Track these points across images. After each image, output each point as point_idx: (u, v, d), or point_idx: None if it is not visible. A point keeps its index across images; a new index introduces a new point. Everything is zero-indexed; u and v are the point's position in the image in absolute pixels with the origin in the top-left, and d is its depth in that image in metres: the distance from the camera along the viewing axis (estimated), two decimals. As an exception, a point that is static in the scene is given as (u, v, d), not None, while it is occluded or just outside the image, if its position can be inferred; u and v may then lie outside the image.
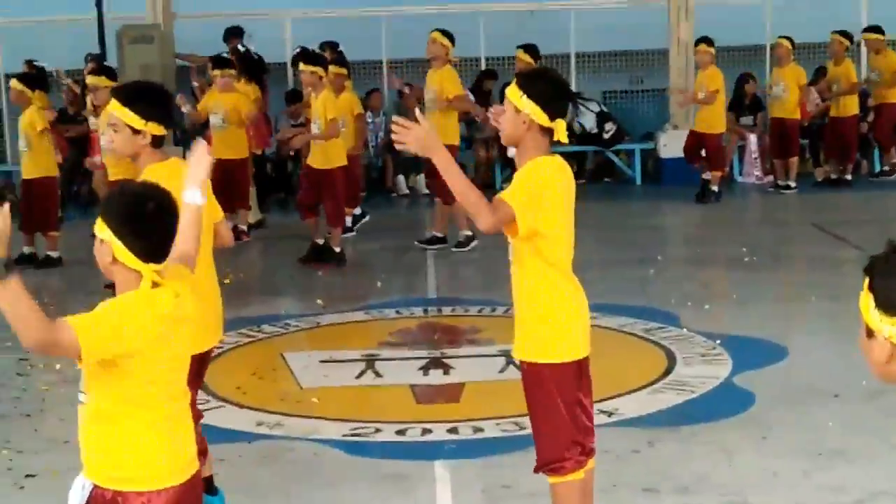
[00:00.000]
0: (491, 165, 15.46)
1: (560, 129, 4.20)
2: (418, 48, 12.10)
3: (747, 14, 15.95)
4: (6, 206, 3.16)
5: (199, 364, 4.63)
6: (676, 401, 6.67)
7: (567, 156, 14.91)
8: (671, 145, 14.97)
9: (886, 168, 15.26)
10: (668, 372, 7.23)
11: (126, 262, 3.22)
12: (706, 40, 13.79)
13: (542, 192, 4.13)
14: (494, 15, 15.91)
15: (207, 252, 4.74)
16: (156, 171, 4.53)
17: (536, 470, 4.39)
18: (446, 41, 11.27)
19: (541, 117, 4.16)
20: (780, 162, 14.55)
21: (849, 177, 14.86)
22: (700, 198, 13.71)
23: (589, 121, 15.66)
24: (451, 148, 10.38)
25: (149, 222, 3.22)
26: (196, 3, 15.37)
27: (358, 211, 12.46)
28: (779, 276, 10.16)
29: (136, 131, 4.60)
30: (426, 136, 4.04)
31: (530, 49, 12.17)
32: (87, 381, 3.29)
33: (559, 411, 4.25)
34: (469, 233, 11.13)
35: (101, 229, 3.23)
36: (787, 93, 14.22)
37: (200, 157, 3.95)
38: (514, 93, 4.21)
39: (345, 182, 10.93)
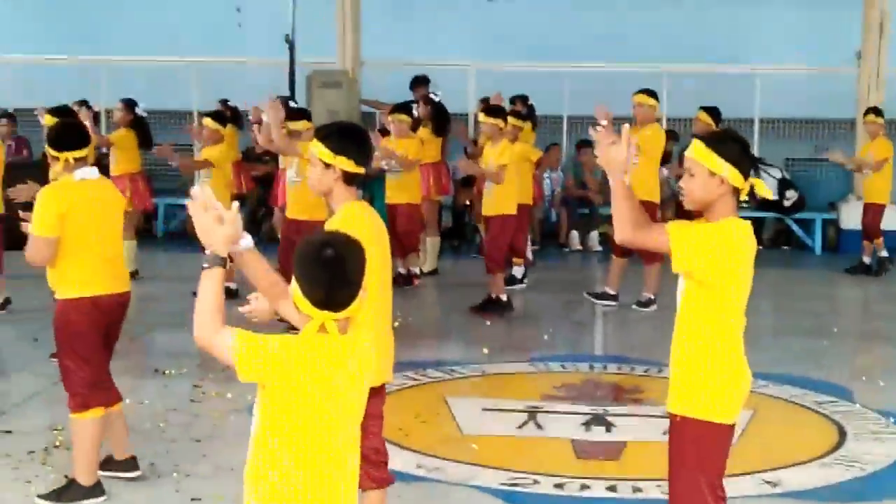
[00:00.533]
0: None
1: (759, 186, 4.15)
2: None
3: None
4: (236, 205, 3.43)
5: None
6: (844, 476, 6.48)
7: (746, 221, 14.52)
8: (853, 216, 14.64)
9: None
10: (837, 447, 7.03)
11: (300, 308, 3.30)
12: (875, 111, 13.54)
13: (722, 244, 4.07)
14: (677, 75, 15.82)
15: (385, 290, 4.83)
16: (351, 209, 4.68)
17: None
18: (653, 101, 11.20)
19: (736, 178, 4.12)
20: None
21: None
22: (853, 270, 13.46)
23: (770, 187, 15.47)
24: (651, 204, 10.39)
25: (322, 269, 3.26)
26: (383, 51, 15.70)
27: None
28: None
29: (327, 165, 4.69)
30: (620, 156, 4.11)
31: (711, 111, 12.00)
32: (255, 406, 3.38)
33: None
34: (651, 296, 11.05)
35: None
36: None
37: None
38: (705, 155, 4.15)
39: (510, 230, 10.95)
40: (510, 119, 11.43)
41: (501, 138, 10.76)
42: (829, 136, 15.60)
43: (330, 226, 4.49)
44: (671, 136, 15.62)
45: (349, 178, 4.72)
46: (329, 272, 3.26)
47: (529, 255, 12.95)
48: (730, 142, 4.21)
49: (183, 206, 11.93)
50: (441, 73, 15.72)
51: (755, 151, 16.04)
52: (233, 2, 16.94)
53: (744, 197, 4.19)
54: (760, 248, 15.04)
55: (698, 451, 4.19)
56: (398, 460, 6.56)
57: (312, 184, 4.80)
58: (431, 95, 13.52)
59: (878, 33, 14.75)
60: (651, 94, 11.24)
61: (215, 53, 15.92)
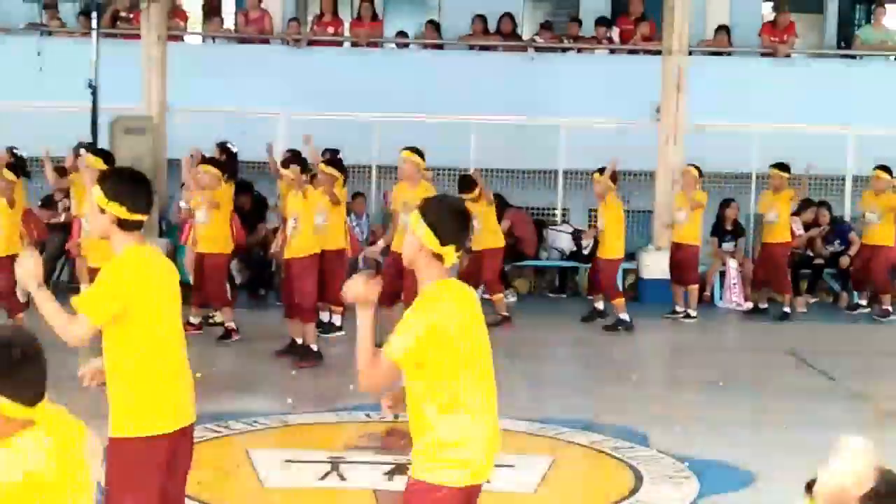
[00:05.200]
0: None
1: (448, 255, 4.27)
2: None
3: (733, 141, 16.15)
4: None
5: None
6: (640, 521, 6.62)
7: (554, 272, 14.88)
8: (653, 266, 15.09)
9: (863, 303, 15.33)
10: (633, 491, 7.18)
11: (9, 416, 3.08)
12: (695, 166, 14.20)
13: (434, 326, 4.21)
14: (487, 126, 16.07)
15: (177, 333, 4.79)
16: (130, 253, 4.63)
17: None
18: (417, 158, 11.48)
19: (432, 242, 4.24)
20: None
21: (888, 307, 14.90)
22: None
23: (565, 242, 15.96)
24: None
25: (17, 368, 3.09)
26: (190, 98, 15.47)
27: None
28: (752, 402, 10.14)
29: (101, 210, 4.66)
30: (360, 289, 4.20)
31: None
32: None
33: None
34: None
35: None
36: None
37: None
38: (413, 220, 4.30)
39: (313, 276, 10.94)
40: (321, 167, 11.57)
41: (302, 186, 10.85)
42: (630, 187, 16.02)
43: (103, 269, 4.68)
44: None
45: (123, 224, 4.67)
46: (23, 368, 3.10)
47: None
48: (440, 208, 4.35)
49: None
50: (251, 121, 15.63)
51: (559, 202, 16.53)
52: (33, 46, 16.49)
53: (449, 263, 4.29)
54: (563, 296, 15.45)
55: None
56: (195, 515, 6.42)
57: (90, 227, 4.89)
58: (228, 145, 13.54)
59: (675, 89, 15.29)
60: (416, 151, 11.58)
61: (11, 97, 15.44)
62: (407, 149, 11.62)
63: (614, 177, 13.53)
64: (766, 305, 14.91)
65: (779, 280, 14.70)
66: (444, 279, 4.30)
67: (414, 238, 4.27)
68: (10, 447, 3.07)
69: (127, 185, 4.74)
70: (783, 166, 14.46)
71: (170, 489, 4.77)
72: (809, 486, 2.78)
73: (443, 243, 4.24)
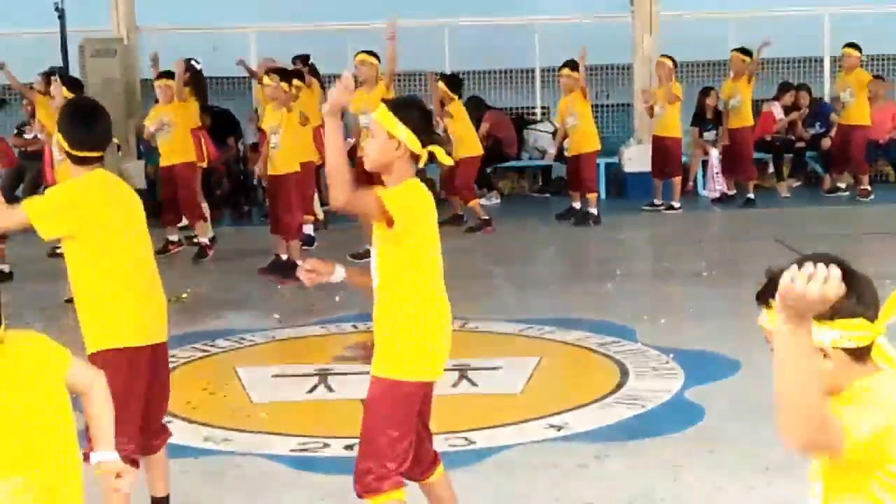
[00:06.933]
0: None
1: (439, 153, 4.28)
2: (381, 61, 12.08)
3: (710, 29, 16.04)
4: None
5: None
6: (626, 415, 6.66)
7: (533, 171, 14.91)
8: (635, 160, 15.05)
9: (842, 185, 15.34)
10: (619, 386, 7.22)
11: None
12: (669, 57, 14.09)
13: (416, 202, 4.24)
14: (458, 27, 15.93)
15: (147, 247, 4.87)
16: (83, 179, 4.70)
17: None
18: (375, 60, 11.48)
19: (414, 144, 4.23)
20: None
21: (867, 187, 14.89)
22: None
23: (546, 141, 15.86)
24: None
25: None
26: (160, 16, 15.30)
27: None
28: (737, 291, 10.15)
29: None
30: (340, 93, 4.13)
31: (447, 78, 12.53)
32: None
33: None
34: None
35: None
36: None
37: None
38: (387, 118, 4.24)
39: (297, 191, 10.91)
40: (295, 81, 11.45)
41: (286, 100, 10.75)
42: (607, 82, 15.95)
43: (57, 187, 5.05)
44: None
45: (74, 160, 4.74)
46: None
47: (320, 214, 12.91)
48: (412, 108, 4.35)
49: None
50: (222, 37, 15.48)
51: (537, 101, 16.44)
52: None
53: (422, 164, 4.32)
54: (547, 195, 15.47)
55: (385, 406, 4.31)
56: (185, 435, 6.46)
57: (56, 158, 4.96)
58: (193, 63, 13.40)
59: (647, -21, 15.15)
60: (372, 53, 11.69)
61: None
62: (363, 52, 11.57)
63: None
64: (734, 192, 14.91)
65: (743, 166, 14.67)
66: (414, 179, 4.30)
67: (390, 140, 4.23)
68: None
69: (75, 121, 4.75)
70: (744, 50, 14.36)
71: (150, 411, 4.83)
72: (761, 296, 2.62)
73: (423, 145, 4.25)
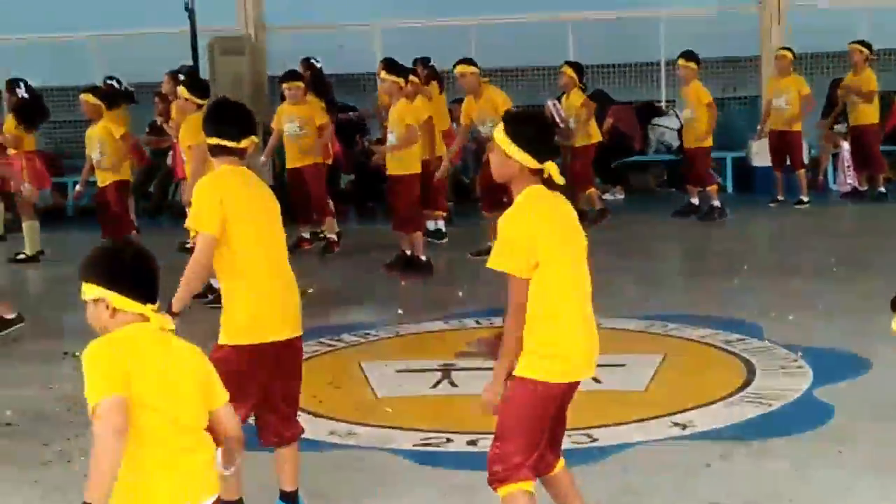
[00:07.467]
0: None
1: (553, 172, 4.32)
2: (506, 57, 12.10)
3: (839, 19, 15.67)
4: None
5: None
6: (753, 413, 6.56)
7: (657, 165, 14.73)
8: (762, 153, 14.79)
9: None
10: (746, 384, 7.11)
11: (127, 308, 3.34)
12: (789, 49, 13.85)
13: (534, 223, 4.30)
14: (582, 23, 15.83)
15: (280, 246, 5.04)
16: (219, 173, 4.98)
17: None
18: (474, 68, 11.24)
19: (528, 161, 4.30)
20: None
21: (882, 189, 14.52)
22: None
23: (671, 136, 15.68)
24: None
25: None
26: (287, 16, 15.52)
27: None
28: (867, 287, 9.92)
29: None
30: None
31: (575, 66, 12.28)
32: None
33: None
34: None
35: (90, 290, 3.35)
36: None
37: None
38: (501, 138, 4.33)
39: (416, 188, 10.95)
40: (411, 78, 11.47)
41: (401, 96, 10.77)
42: (735, 75, 15.71)
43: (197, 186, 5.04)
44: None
45: (215, 150, 4.99)
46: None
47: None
48: (527, 126, 4.41)
49: (93, 183, 11.75)
50: (347, 35, 15.64)
51: (662, 94, 16.26)
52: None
53: (546, 174, 4.34)
54: (673, 190, 15.34)
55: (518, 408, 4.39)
56: (311, 428, 6.54)
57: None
58: (312, 61, 13.57)
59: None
60: (469, 62, 11.38)
61: (114, 26, 15.64)
62: (459, 63, 11.42)
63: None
64: (865, 187, 14.58)
65: (872, 160, 14.34)
66: (535, 186, 4.33)
67: (507, 159, 4.32)
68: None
69: (221, 116, 5.07)
70: (863, 43, 14.04)
71: (281, 404, 5.05)
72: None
73: (541, 161, 4.31)
